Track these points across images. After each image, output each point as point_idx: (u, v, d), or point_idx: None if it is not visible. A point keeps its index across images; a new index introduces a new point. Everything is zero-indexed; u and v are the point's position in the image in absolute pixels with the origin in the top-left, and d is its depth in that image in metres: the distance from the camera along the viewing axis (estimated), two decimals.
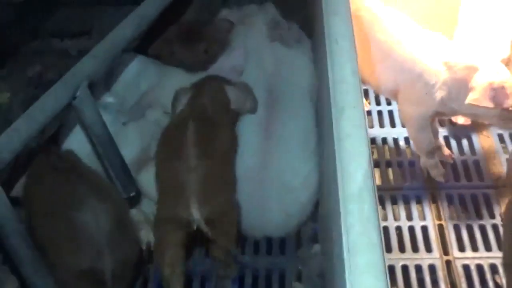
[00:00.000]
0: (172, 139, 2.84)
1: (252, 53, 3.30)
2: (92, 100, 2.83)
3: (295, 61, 3.30)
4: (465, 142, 3.51)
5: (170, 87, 3.11)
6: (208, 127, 2.84)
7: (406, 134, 3.54)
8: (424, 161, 3.32)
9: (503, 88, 2.81)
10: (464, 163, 3.39)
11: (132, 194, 2.94)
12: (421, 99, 3.06)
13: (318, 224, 3.10)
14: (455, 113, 3.14)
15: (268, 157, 3.00)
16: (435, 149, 3.31)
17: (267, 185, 2.98)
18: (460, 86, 2.92)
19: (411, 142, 3.43)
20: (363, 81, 3.30)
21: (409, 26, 3.19)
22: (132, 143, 3.04)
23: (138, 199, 2.99)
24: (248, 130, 3.04)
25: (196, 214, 2.62)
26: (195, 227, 2.64)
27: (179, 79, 3.19)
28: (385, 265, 1.53)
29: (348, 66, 2.00)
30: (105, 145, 2.87)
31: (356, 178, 1.70)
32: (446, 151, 3.40)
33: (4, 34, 4.04)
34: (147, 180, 2.99)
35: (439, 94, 2.99)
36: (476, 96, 2.83)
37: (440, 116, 3.32)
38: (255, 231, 3.07)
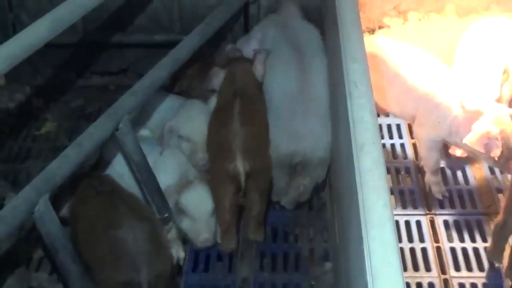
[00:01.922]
0: (221, 114, 3.10)
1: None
2: (133, 131, 2.84)
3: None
4: (459, 173, 3.47)
5: (183, 117, 3.19)
6: (249, 102, 3.11)
7: (406, 165, 3.52)
8: (428, 177, 3.34)
9: (496, 139, 2.84)
10: (459, 192, 3.36)
11: (166, 215, 2.92)
12: (433, 126, 3.14)
13: (329, 244, 3.08)
14: (457, 145, 3.18)
15: (304, 87, 3.18)
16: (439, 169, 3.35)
17: (303, 109, 3.13)
18: (466, 125, 2.95)
19: (411, 171, 3.45)
20: (385, 110, 3.49)
21: (427, 61, 3.27)
22: (171, 170, 3.03)
23: (170, 220, 2.96)
24: (285, 70, 3.25)
25: (240, 167, 2.90)
26: (241, 179, 2.92)
27: (192, 111, 3.25)
28: (404, 286, 1.50)
29: (367, 107, 1.98)
30: (143, 172, 2.86)
31: (376, 207, 1.68)
32: None
33: (58, 72, 4.08)
34: (189, 200, 2.98)
35: (448, 127, 3.05)
36: (472, 140, 2.89)
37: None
38: (293, 153, 3.11)
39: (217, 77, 3.24)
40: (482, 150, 2.88)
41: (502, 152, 2.85)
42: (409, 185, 3.43)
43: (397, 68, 3.28)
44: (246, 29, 3.91)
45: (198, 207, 2.97)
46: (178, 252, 3.00)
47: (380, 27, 3.97)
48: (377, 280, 1.50)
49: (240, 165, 2.91)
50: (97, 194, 2.77)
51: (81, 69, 4.13)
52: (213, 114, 3.18)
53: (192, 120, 3.17)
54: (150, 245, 2.58)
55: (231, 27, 3.87)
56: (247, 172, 2.92)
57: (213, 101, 3.28)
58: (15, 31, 3.90)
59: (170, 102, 3.42)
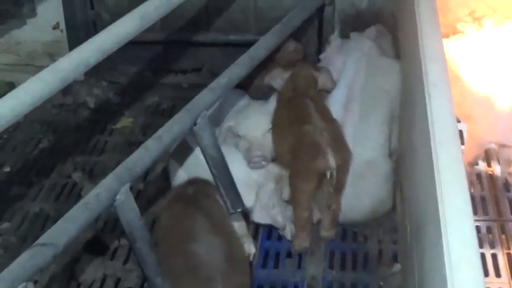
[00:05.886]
0: (293, 112, 3.18)
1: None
2: (210, 126, 2.91)
3: (384, 66, 3.48)
4: None
5: (240, 117, 3.31)
6: (316, 100, 3.23)
7: (477, 171, 3.52)
8: None
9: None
10: None
11: (239, 210, 2.98)
12: None
13: (398, 245, 3.10)
14: None
15: None
16: None
17: None
18: None
19: (482, 178, 3.47)
20: None
21: None
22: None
23: (244, 215, 3.03)
24: None
25: (332, 163, 2.94)
26: (328, 175, 2.95)
27: (248, 110, 3.36)
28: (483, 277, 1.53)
29: (446, 107, 2.02)
30: (218, 166, 2.93)
31: (456, 203, 1.71)
32: None
33: (134, 69, 4.19)
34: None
35: None
36: None
37: None
38: None
39: (282, 78, 3.34)
40: None
41: None
42: (480, 192, 3.42)
43: None
44: (320, 31, 3.96)
45: None
46: (249, 248, 3.05)
47: (454, 33, 3.96)
48: (456, 272, 1.53)
49: (332, 160, 2.94)
50: (181, 202, 2.78)
51: (157, 67, 4.25)
52: (279, 113, 3.26)
53: (248, 118, 3.26)
54: (225, 261, 2.56)
55: (305, 29, 3.92)
56: (338, 166, 2.96)
57: (272, 101, 3.37)
58: (95, 29, 4.05)
59: (239, 101, 3.51)
